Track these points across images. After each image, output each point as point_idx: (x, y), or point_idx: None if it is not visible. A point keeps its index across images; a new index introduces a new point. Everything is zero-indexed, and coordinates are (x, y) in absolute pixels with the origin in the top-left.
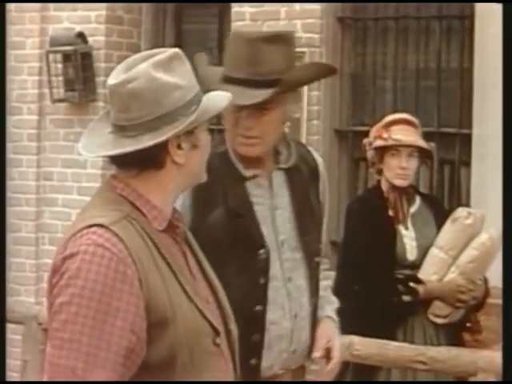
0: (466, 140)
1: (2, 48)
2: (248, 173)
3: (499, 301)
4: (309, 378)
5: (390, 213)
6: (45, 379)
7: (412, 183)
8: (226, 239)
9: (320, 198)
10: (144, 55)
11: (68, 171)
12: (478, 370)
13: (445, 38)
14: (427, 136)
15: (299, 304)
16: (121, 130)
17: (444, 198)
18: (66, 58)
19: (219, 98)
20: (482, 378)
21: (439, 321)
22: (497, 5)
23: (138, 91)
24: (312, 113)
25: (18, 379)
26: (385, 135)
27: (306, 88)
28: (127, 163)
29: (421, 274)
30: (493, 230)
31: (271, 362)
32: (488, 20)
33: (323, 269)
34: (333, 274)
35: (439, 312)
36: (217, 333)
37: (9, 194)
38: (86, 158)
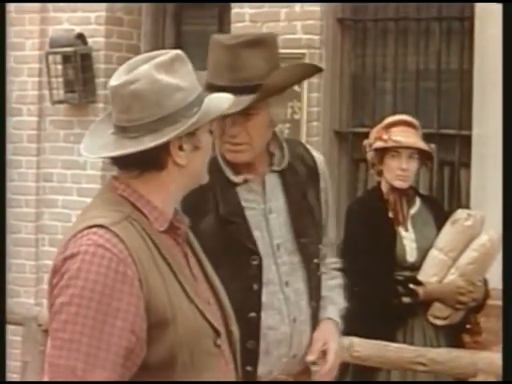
0: (466, 141)
1: (1, 49)
2: (237, 178)
3: (499, 302)
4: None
5: (390, 214)
6: (45, 379)
7: (412, 185)
8: (217, 246)
9: (321, 197)
10: (146, 57)
11: (68, 172)
12: (478, 371)
13: (445, 39)
14: (427, 137)
15: (298, 308)
16: (122, 131)
17: (444, 199)
18: (66, 59)
19: (221, 100)
20: (481, 380)
21: (439, 322)
22: (496, 6)
23: (140, 92)
24: (312, 114)
25: (17, 380)
26: (385, 137)
27: (305, 89)
28: (129, 164)
29: (420, 276)
30: (492, 232)
31: (270, 367)
32: (488, 21)
33: (333, 268)
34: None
35: (439, 314)
36: (218, 334)
37: (8, 196)
38: (85, 159)
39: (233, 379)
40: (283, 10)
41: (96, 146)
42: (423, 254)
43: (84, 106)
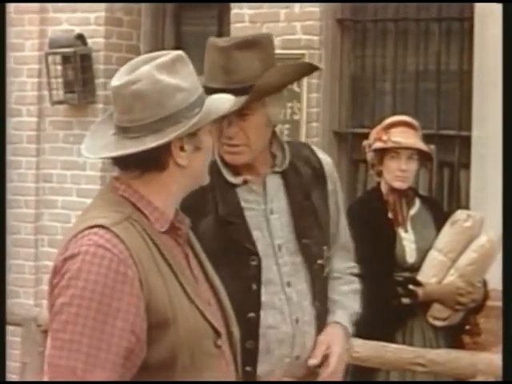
0: (466, 142)
1: (1, 50)
2: (236, 180)
3: (498, 303)
4: None
5: (390, 215)
6: (45, 380)
7: (412, 185)
8: (217, 247)
9: (329, 200)
10: (147, 57)
11: (67, 173)
12: (477, 372)
13: (444, 40)
14: (427, 138)
15: (301, 308)
16: (124, 131)
17: (443, 200)
18: (66, 59)
19: (222, 101)
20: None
21: (438, 323)
22: (496, 6)
23: (142, 93)
24: (311, 115)
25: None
26: (384, 137)
27: (305, 90)
28: (130, 165)
29: (420, 277)
30: (492, 233)
31: (271, 366)
32: (487, 22)
33: (350, 273)
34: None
35: (438, 314)
36: (218, 335)
37: (8, 196)
38: (85, 160)
39: (233, 380)
40: (283, 10)
41: (97, 146)
42: (423, 254)
43: (83, 107)
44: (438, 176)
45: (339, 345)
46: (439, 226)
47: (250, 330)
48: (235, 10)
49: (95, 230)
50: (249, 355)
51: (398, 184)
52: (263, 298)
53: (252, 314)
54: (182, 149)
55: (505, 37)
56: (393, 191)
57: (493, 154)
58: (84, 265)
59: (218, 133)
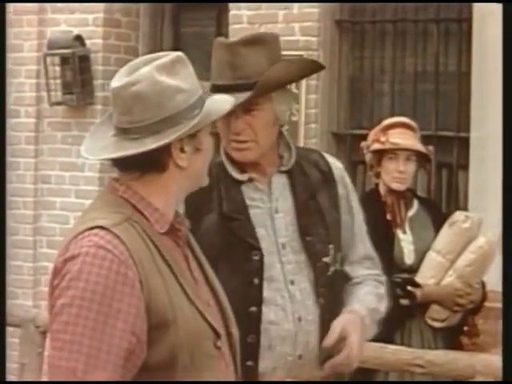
0: (464, 143)
1: (1, 50)
2: (242, 176)
3: (497, 304)
4: None
5: (388, 216)
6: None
7: (410, 187)
8: (220, 242)
9: (341, 205)
10: (147, 58)
11: (66, 174)
12: (476, 373)
13: (443, 41)
14: (425, 139)
15: (304, 307)
16: (124, 132)
17: (442, 201)
18: (64, 60)
19: (222, 102)
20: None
21: (437, 324)
22: (494, 7)
23: (142, 94)
24: (310, 116)
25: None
26: (382, 139)
27: (303, 91)
28: (129, 166)
29: (418, 278)
30: (490, 234)
31: (273, 363)
32: (486, 22)
33: (374, 279)
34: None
35: (437, 316)
36: (218, 336)
37: (7, 197)
38: (83, 161)
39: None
40: (281, 11)
41: (97, 147)
42: (421, 256)
43: (82, 108)
44: (436, 177)
45: (356, 330)
46: (437, 228)
47: (252, 324)
48: (233, 11)
49: (95, 231)
50: (250, 350)
51: (396, 185)
52: (266, 293)
53: (253, 309)
54: (182, 150)
55: (505, 37)
56: (391, 192)
57: (491, 156)
58: (84, 266)
59: (226, 130)
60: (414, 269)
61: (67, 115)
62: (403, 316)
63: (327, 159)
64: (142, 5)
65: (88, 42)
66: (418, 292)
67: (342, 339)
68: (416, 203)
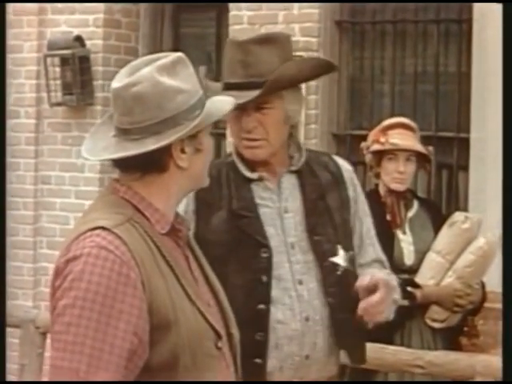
0: (464, 144)
1: (1, 51)
2: (252, 174)
3: (497, 305)
4: None
5: (388, 217)
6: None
7: (410, 187)
8: (229, 240)
9: (350, 207)
10: (148, 59)
11: (66, 175)
12: (476, 374)
13: (443, 41)
14: (425, 140)
15: (311, 307)
16: (124, 133)
17: (442, 202)
18: (64, 61)
19: (223, 103)
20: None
21: (436, 325)
22: (495, 7)
23: (142, 95)
24: (310, 117)
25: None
26: (382, 139)
27: (303, 92)
28: (130, 166)
29: (418, 279)
30: (490, 234)
31: (280, 363)
32: (486, 23)
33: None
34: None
35: (436, 316)
36: (219, 336)
37: (7, 198)
38: (83, 161)
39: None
40: (281, 12)
41: (97, 148)
42: (421, 256)
43: (82, 109)
44: (436, 178)
45: (385, 280)
46: (437, 228)
47: (260, 321)
48: (233, 11)
49: (97, 231)
50: (258, 347)
51: (395, 186)
52: (274, 292)
53: (262, 306)
54: (182, 151)
55: (505, 37)
56: (391, 193)
57: (491, 156)
58: (86, 266)
59: (237, 128)
60: (413, 269)
61: (67, 116)
62: (403, 317)
63: (337, 161)
64: (142, 5)
65: (88, 43)
66: (417, 293)
67: (372, 289)
68: (416, 204)
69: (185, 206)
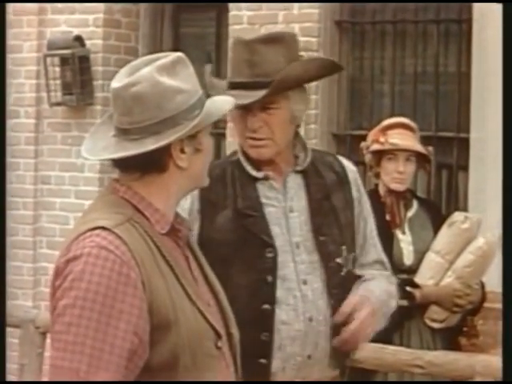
0: (464, 144)
1: (1, 51)
2: (258, 173)
3: (496, 305)
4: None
5: (387, 217)
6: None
7: (410, 187)
8: (234, 239)
9: (354, 206)
10: (147, 59)
11: (66, 175)
12: (476, 374)
13: (442, 41)
14: (425, 140)
15: (315, 307)
16: (124, 133)
17: (442, 202)
18: (64, 61)
19: (222, 102)
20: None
21: (436, 325)
22: (495, 7)
23: (142, 95)
24: (310, 117)
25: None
26: (382, 139)
27: None
28: (130, 166)
29: (417, 279)
30: (489, 234)
31: (283, 363)
32: (486, 23)
33: (381, 274)
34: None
35: (436, 316)
36: (219, 336)
37: (6, 198)
38: (83, 161)
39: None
40: (281, 12)
41: (97, 148)
42: (420, 256)
43: (82, 109)
44: (436, 178)
45: (367, 308)
46: (437, 228)
47: (265, 322)
48: (233, 11)
49: (97, 231)
50: (263, 347)
51: (395, 186)
52: (278, 293)
53: (267, 306)
54: (182, 151)
55: (505, 37)
56: (390, 193)
57: (491, 156)
58: (87, 266)
59: (242, 127)
60: (413, 269)
61: (67, 116)
62: (402, 317)
63: (342, 162)
64: (141, 5)
65: (88, 43)
66: (417, 293)
67: (352, 317)
68: (415, 204)
69: (190, 205)
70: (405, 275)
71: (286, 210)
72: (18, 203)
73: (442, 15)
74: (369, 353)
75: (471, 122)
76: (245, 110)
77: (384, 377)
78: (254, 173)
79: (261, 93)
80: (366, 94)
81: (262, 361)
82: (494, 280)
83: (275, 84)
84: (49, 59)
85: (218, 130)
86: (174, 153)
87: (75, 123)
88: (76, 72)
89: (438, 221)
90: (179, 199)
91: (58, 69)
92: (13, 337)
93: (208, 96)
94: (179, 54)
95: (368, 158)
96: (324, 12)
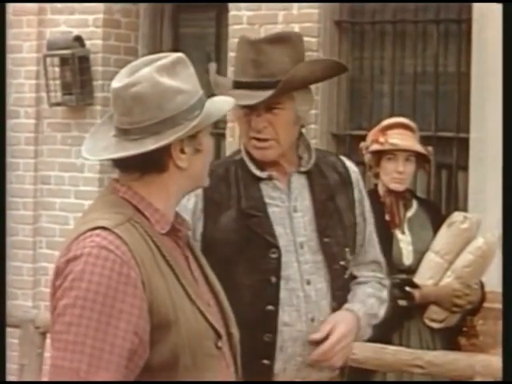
0: (464, 144)
1: (1, 51)
2: (262, 173)
3: (496, 305)
4: None
5: (387, 217)
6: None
7: (409, 187)
8: (238, 239)
9: (356, 208)
10: (148, 59)
11: (65, 175)
12: (475, 374)
13: (442, 41)
14: (424, 140)
15: (318, 308)
16: (124, 133)
17: (441, 202)
18: (64, 61)
19: (222, 103)
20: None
21: (435, 325)
22: (495, 7)
23: (142, 95)
24: (309, 117)
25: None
26: (381, 139)
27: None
28: (130, 166)
29: (417, 279)
30: (489, 234)
31: (284, 364)
32: (485, 23)
33: (379, 282)
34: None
35: (435, 316)
36: (219, 336)
37: (6, 198)
38: (83, 161)
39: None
40: (281, 12)
41: (97, 148)
42: (419, 256)
43: (82, 109)
44: (435, 178)
45: (346, 326)
46: (436, 228)
47: (269, 322)
48: (233, 11)
49: (97, 231)
50: (266, 348)
51: (394, 186)
52: (282, 294)
53: (270, 307)
54: (182, 151)
55: (505, 37)
56: (390, 193)
57: (491, 156)
58: (87, 266)
59: (246, 127)
60: (412, 269)
61: (67, 116)
62: (402, 317)
63: (345, 162)
64: (141, 5)
65: (88, 43)
66: (416, 293)
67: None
68: (415, 204)
69: (193, 205)
70: (404, 275)
71: (290, 210)
72: (18, 203)
73: (441, 15)
74: (369, 353)
75: (471, 122)
76: (249, 110)
77: (383, 377)
78: (257, 173)
79: (266, 93)
80: (365, 94)
81: (265, 362)
82: (493, 280)
83: (281, 85)
84: (48, 59)
85: (217, 130)
86: (174, 153)
87: (75, 123)
88: (76, 72)
89: (437, 221)
90: (179, 199)
91: (57, 69)
92: (13, 337)
93: (213, 94)
94: (179, 54)
95: (367, 158)
96: (324, 12)
